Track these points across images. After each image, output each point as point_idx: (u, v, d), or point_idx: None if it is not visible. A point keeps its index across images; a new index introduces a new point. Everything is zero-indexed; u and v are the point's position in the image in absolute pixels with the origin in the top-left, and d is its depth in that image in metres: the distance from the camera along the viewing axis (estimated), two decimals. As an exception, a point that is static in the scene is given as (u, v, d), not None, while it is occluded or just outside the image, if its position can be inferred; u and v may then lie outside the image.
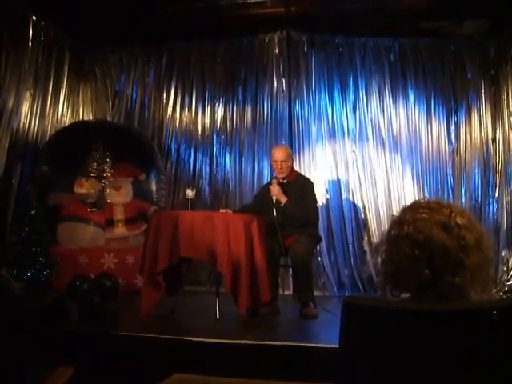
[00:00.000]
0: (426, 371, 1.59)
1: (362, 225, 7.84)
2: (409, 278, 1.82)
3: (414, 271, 1.81)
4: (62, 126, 8.15)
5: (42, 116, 7.74)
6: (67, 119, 8.37)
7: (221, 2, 7.25)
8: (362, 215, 7.85)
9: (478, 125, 7.83)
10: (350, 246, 7.73)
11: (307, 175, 6.98)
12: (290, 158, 6.19)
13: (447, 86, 7.97)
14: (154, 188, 7.71)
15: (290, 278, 7.09)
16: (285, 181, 6.14)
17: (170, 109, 8.61)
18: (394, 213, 7.17)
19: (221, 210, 6.13)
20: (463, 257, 1.76)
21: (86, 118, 8.69)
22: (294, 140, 8.03)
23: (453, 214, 1.84)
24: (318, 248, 7.23)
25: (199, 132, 8.47)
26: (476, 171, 7.74)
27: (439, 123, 7.95)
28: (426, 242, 1.80)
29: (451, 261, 1.76)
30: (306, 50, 8.17)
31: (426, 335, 1.59)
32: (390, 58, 8.08)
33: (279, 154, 6.19)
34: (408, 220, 1.90)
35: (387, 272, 1.91)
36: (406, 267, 1.83)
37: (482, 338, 1.55)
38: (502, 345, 1.55)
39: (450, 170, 7.86)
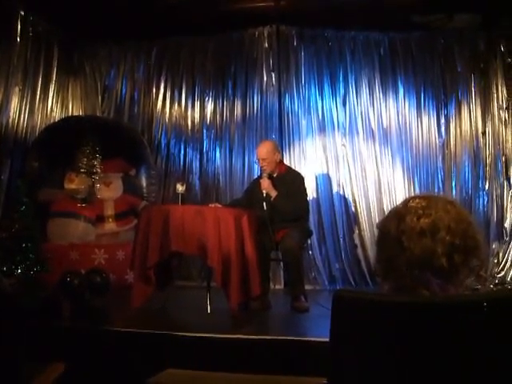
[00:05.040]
0: (417, 364, 1.59)
1: (352, 218, 7.86)
2: (378, 266, 1.89)
3: (377, 259, 1.91)
4: (52, 121, 8.11)
5: (32, 111, 7.70)
6: (57, 115, 8.32)
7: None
8: (353, 209, 7.87)
9: (468, 118, 7.86)
10: (341, 239, 7.75)
11: (297, 169, 6.98)
12: (272, 154, 6.13)
13: (437, 79, 7.99)
14: (144, 183, 7.71)
15: (281, 271, 7.11)
16: (275, 175, 6.14)
17: (159, 103, 8.59)
18: (385, 206, 7.19)
19: (210, 205, 6.12)
20: (404, 239, 1.80)
21: (75, 114, 8.65)
22: (284, 134, 8.03)
23: (409, 204, 1.89)
24: (309, 242, 7.24)
25: (189, 127, 8.46)
26: (466, 164, 7.77)
27: (429, 116, 7.97)
28: (380, 232, 1.92)
29: (394, 244, 1.82)
30: (295, 44, 8.16)
31: (416, 328, 1.59)
32: (380, 51, 8.09)
33: (260, 151, 6.23)
34: None
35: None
36: (376, 257, 1.93)
37: (473, 330, 1.55)
38: (492, 337, 1.55)
39: (440, 164, 7.88)
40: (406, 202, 1.89)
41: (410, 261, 1.77)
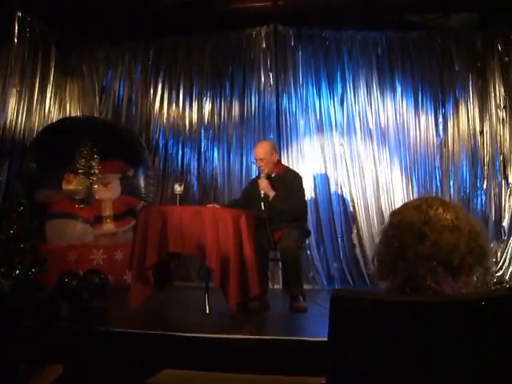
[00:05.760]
0: (414, 363, 1.59)
1: (350, 218, 7.86)
2: (385, 256, 1.89)
3: (387, 247, 1.91)
4: (49, 122, 8.10)
5: (29, 113, 7.70)
6: (54, 116, 8.32)
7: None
8: (351, 208, 7.87)
9: (466, 117, 7.86)
10: (339, 239, 7.75)
11: (295, 169, 6.97)
12: (269, 154, 6.13)
13: (435, 78, 7.99)
14: (142, 184, 7.70)
15: (280, 271, 7.11)
16: (273, 175, 6.14)
17: (157, 104, 8.59)
18: (383, 206, 7.19)
19: (208, 205, 6.11)
20: (426, 230, 1.82)
21: (73, 115, 8.64)
22: (282, 134, 8.03)
23: (429, 200, 1.90)
24: (307, 242, 7.22)
25: (187, 127, 8.45)
26: (464, 163, 7.78)
27: (427, 116, 7.97)
28: (398, 221, 1.91)
29: (415, 233, 1.83)
30: (293, 43, 8.16)
31: (414, 327, 1.59)
32: (378, 51, 8.08)
33: (257, 152, 6.23)
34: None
35: (374, 257, 1.99)
36: (384, 246, 1.94)
37: (470, 330, 1.56)
38: (490, 336, 1.55)
39: (438, 163, 7.88)
40: (424, 199, 1.91)
41: (432, 251, 1.78)
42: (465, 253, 1.80)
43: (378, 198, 7.82)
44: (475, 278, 1.86)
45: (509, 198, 7.56)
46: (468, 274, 1.81)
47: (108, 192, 7.38)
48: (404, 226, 1.87)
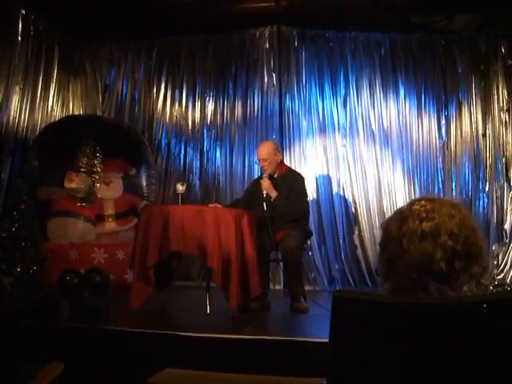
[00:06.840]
0: (417, 365, 1.59)
1: (352, 219, 7.85)
2: (380, 266, 1.89)
3: (380, 257, 1.93)
4: (52, 120, 8.10)
5: (32, 111, 7.69)
6: (57, 114, 8.31)
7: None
8: (353, 210, 7.86)
9: (469, 119, 7.85)
10: (341, 240, 7.74)
11: (298, 170, 6.97)
12: (273, 155, 6.13)
13: (438, 80, 7.98)
14: (144, 183, 7.70)
15: (281, 272, 7.10)
16: (275, 175, 6.13)
17: (160, 103, 8.59)
18: (385, 207, 7.19)
19: (210, 205, 6.10)
20: (404, 242, 1.82)
21: (76, 113, 8.65)
22: (285, 135, 8.03)
23: (411, 208, 1.89)
24: (309, 242, 7.22)
25: (189, 127, 8.45)
26: (466, 166, 7.76)
27: (430, 118, 7.96)
28: (384, 232, 1.93)
29: (397, 246, 1.83)
30: (296, 44, 8.16)
31: (416, 329, 1.59)
32: (381, 52, 8.08)
33: (260, 152, 6.22)
34: None
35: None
36: (379, 257, 1.95)
37: (473, 332, 1.55)
38: (491, 338, 1.55)
39: (440, 165, 7.87)
40: (411, 204, 1.89)
41: (408, 263, 1.77)
42: (448, 258, 1.76)
43: (380, 200, 7.81)
44: (473, 280, 1.84)
45: (511, 200, 7.55)
46: (458, 278, 1.79)
47: (110, 191, 7.38)
48: (387, 237, 1.88)
